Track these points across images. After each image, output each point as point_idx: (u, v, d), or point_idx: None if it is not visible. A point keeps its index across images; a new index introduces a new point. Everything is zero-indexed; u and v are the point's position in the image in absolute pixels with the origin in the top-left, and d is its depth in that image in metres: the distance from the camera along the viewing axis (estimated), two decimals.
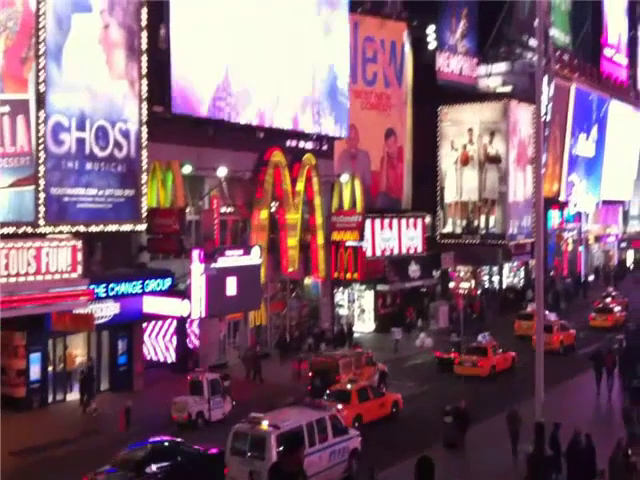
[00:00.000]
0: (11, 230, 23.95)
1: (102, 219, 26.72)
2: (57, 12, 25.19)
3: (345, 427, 21.27)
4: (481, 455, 22.15)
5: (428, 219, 48.61)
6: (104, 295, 27.52)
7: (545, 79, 51.13)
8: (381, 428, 24.88)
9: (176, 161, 30.25)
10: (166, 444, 19.67)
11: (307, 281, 39.47)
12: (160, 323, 32.49)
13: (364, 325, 42.88)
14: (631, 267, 72.99)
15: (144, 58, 27.93)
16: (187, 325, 32.61)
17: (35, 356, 26.82)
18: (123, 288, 28.29)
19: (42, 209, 24.71)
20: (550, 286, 51.02)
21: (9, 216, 24.03)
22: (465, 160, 50.85)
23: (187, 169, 30.60)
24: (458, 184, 51.09)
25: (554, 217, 59.01)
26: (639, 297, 51.29)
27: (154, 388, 29.74)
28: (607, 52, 71.39)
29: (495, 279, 53.64)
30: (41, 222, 24.73)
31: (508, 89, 53.36)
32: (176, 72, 30.41)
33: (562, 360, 34.44)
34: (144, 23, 27.88)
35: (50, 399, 27.53)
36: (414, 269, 44.81)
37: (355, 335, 39.97)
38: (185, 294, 29.34)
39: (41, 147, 24.64)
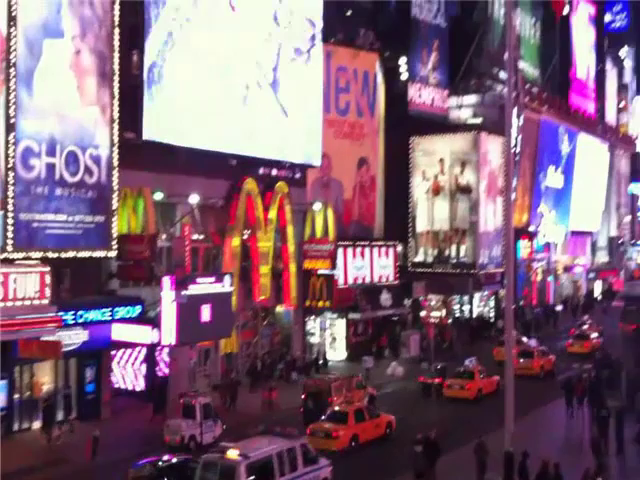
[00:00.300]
0: None
1: (72, 245, 26.46)
2: (28, 37, 25.08)
3: (316, 456, 21.10)
4: None
5: (400, 248, 48.81)
6: (72, 322, 27.12)
7: (515, 111, 51.95)
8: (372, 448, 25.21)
9: (147, 187, 30.11)
10: (174, 460, 20.45)
11: (279, 309, 39.30)
12: (129, 351, 32.09)
13: (335, 353, 42.74)
14: (599, 297, 73.58)
15: (116, 84, 27.89)
16: (157, 353, 32.27)
17: (1, 384, 26.35)
18: (92, 315, 27.93)
19: (10, 234, 24.44)
20: (520, 316, 51.30)
21: None
22: (436, 190, 51.28)
23: (158, 196, 30.48)
24: (429, 214, 51.49)
25: (524, 247, 59.50)
26: (611, 326, 51.72)
27: (122, 416, 29.37)
28: (575, 86, 72.66)
29: (466, 308, 53.89)
30: (9, 248, 24.44)
31: (478, 121, 54.10)
32: (148, 98, 30.41)
33: (541, 385, 35.77)
34: (116, 49, 27.88)
35: (16, 427, 27.00)
36: (386, 297, 44.90)
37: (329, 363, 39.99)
38: (155, 322, 29.05)
39: (10, 172, 24.41)
